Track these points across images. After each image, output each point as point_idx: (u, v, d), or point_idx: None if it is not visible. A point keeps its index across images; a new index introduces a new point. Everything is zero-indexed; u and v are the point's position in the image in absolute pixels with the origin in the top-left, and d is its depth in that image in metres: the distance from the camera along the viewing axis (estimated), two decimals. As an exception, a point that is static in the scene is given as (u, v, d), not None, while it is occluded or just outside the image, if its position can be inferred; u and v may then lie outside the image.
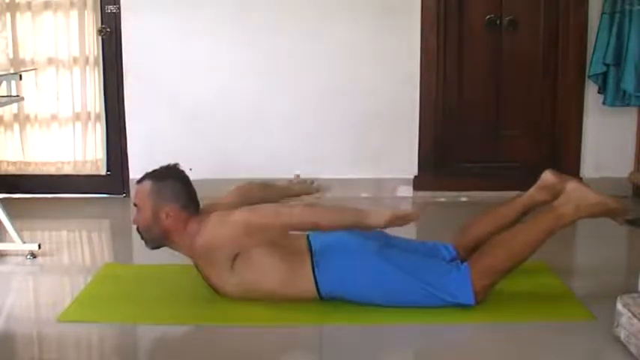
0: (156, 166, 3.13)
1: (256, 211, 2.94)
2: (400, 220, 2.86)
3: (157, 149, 4.72)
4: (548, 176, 3.13)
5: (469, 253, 3.06)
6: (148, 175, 3.08)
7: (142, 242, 3.10)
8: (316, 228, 2.92)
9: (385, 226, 2.86)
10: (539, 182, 3.15)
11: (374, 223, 2.84)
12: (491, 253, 2.90)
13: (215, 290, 3.01)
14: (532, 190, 3.16)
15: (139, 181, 3.09)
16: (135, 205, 3.07)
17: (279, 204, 3.12)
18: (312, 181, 3.53)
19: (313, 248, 2.97)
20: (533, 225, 2.94)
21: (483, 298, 2.89)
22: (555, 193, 3.04)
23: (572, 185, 2.98)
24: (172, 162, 3.14)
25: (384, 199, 4.90)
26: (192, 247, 2.97)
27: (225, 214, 2.95)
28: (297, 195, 3.45)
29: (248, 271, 2.91)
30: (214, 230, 2.92)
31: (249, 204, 3.19)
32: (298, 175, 3.55)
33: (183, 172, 3.12)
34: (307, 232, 3.06)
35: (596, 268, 3.51)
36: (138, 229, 3.08)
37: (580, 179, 3.23)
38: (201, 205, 3.14)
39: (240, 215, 2.91)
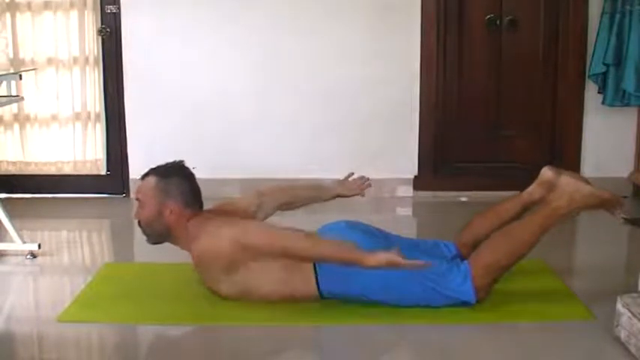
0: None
1: (248, 230, 2.88)
2: (394, 264, 2.69)
3: (157, 149, 4.70)
4: (546, 172, 3.13)
5: (470, 251, 3.05)
6: (153, 171, 3.08)
7: (143, 241, 3.11)
8: (307, 260, 2.85)
9: (379, 267, 2.72)
10: (538, 179, 3.15)
11: (368, 263, 2.70)
12: (490, 250, 2.90)
13: (212, 292, 3.02)
14: (531, 187, 3.16)
15: (144, 176, 3.08)
16: (137, 199, 3.07)
17: (273, 226, 2.97)
18: (367, 178, 3.50)
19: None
20: (530, 220, 2.95)
21: (484, 296, 2.89)
22: (553, 189, 3.04)
23: (565, 179, 2.98)
24: (176, 160, 3.14)
25: (384, 199, 4.90)
26: (190, 250, 2.99)
27: (218, 227, 2.92)
28: (349, 196, 3.47)
29: (246, 275, 2.90)
30: (207, 243, 2.91)
31: (269, 208, 3.27)
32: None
33: (188, 169, 3.12)
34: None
35: (596, 268, 3.51)
36: (139, 223, 3.08)
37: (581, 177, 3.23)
38: (205, 205, 3.15)
39: (230, 232, 2.87)
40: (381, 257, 2.68)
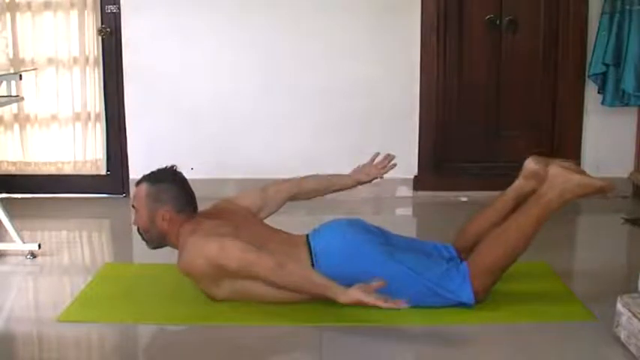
0: (156, 166, 3.14)
1: (226, 251, 2.81)
2: (364, 304, 2.69)
3: (157, 149, 4.72)
4: (530, 164, 3.08)
5: (469, 253, 3.04)
6: (145, 178, 3.09)
7: (142, 242, 3.11)
8: (276, 287, 2.83)
9: (349, 304, 2.74)
10: (522, 172, 3.10)
11: (340, 300, 2.72)
12: (487, 251, 2.89)
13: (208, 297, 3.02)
14: (518, 180, 3.11)
15: (137, 184, 3.10)
16: (133, 206, 3.08)
17: (253, 250, 2.83)
18: (392, 157, 3.41)
19: (312, 246, 2.96)
20: (523, 217, 2.89)
21: (483, 298, 2.89)
22: (542, 180, 2.98)
23: (554, 170, 2.91)
24: (171, 163, 3.14)
25: (384, 199, 4.90)
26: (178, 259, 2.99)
27: (200, 243, 2.88)
28: (368, 181, 3.38)
29: (242, 280, 2.89)
30: (187, 259, 2.90)
31: (274, 204, 3.26)
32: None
33: (180, 174, 3.12)
34: (307, 232, 3.06)
35: (596, 268, 3.51)
36: (138, 229, 3.10)
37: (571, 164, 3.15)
38: (206, 206, 3.14)
39: (209, 251, 2.83)
40: (354, 295, 2.68)
